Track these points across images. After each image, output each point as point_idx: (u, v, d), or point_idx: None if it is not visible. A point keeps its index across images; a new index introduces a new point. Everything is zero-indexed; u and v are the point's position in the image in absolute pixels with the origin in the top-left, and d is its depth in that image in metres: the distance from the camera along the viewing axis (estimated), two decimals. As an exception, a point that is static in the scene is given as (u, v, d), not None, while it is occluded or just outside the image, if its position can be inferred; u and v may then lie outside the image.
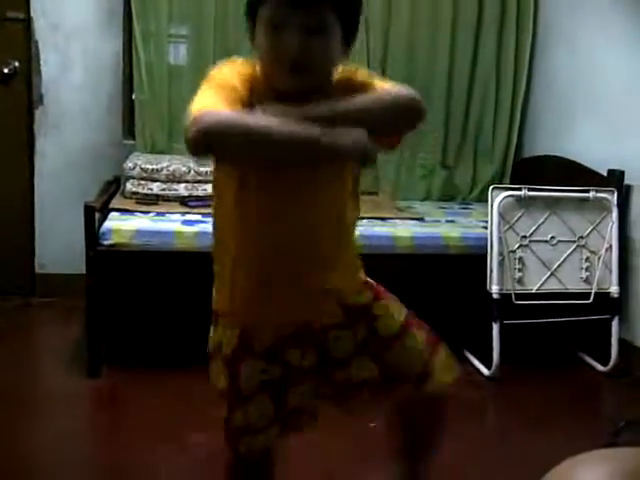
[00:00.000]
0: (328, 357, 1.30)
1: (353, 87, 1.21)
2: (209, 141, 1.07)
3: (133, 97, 3.40)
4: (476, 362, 2.82)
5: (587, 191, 2.84)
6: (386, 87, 1.22)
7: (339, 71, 1.26)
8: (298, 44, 1.13)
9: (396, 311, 1.37)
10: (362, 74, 1.27)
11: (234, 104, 1.12)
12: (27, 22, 3.28)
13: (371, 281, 1.39)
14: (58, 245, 3.36)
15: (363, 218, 2.91)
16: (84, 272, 2.57)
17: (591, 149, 3.13)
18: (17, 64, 3.31)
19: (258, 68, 1.22)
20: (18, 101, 3.34)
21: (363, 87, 1.22)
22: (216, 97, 1.12)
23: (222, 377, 1.29)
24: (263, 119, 1.10)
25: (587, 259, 2.84)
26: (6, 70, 3.28)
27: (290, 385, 1.29)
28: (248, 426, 1.28)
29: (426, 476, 1.51)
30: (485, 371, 2.74)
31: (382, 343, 1.32)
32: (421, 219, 3.10)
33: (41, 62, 3.32)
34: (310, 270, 1.26)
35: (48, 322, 3.22)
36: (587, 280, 2.83)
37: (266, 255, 1.24)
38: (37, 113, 3.36)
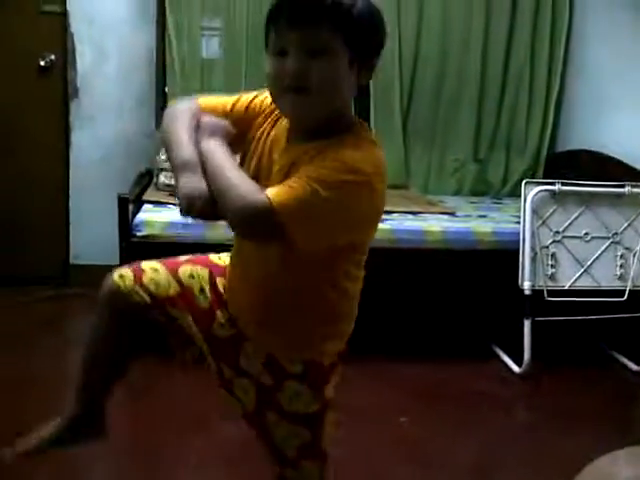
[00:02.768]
0: (233, 350, 1.28)
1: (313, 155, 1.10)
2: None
3: (166, 90, 3.43)
4: (507, 359, 2.80)
5: (622, 186, 2.79)
6: (273, 182, 1.09)
7: (353, 137, 1.12)
8: (296, 66, 1.08)
9: (310, 405, 1.25)
10: (329, 153, 1.08)
11: (216, 112, 1.21)
12: (63, 16, 3.33)
13: (336, 375, 1.27)
14: (92, 236, 3.41)
15: (393, 212, 2.93)
16: (117, 263, 2.61)
17: (627, 143, 3.08)
18: (53, 57, 3.36)
19: None
20: (54, 93, 3.39)
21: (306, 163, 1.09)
22: (215, 98, 1.24)
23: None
24: (174, 134, 1.16)
25: (622, 256, 2.79)
26: (43, 63, 3.33)
27: (194, 312, 1.29)
28: (142, 274, 1.30)
29: None
30: (516, 368, 2.72)
31: (271, 400, 1.26)
32: (452, 213, 3.07)
33: (77, 55, 3.37)
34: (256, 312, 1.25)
35: (80, 312, 3.26)
36: (621, 277, 2.79)
37: (235, 277, 1.29)
38: (72, 105, 3.41)
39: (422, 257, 2.77)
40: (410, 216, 2.94)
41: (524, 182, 2.80)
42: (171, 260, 1.35)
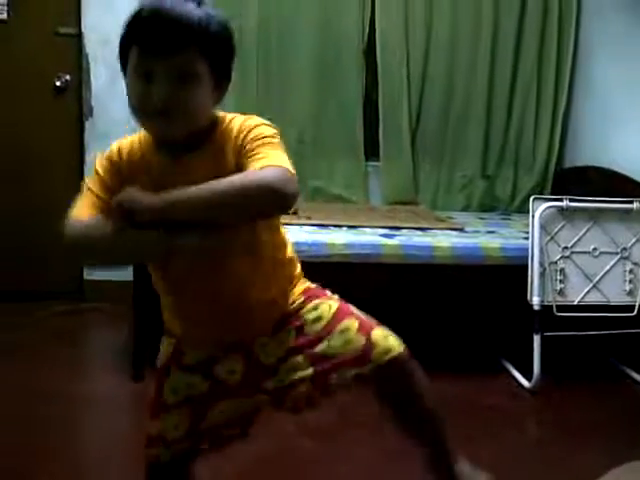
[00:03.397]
0: (257, 365, 1.31)
1: (237, 145, 1.18)
2: (74, 258, 1.29)
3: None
4: (516, 374, 2.81)
5: (631, 202, 2.81)
6: (253, 166, 1.13)
7: (224, 118, 1.22)
8: (164, 94, 1.10)
9: (325, 307, 1.33)
10: (252, 135, 1.18)
11: (93, 209, 1.20)
12: (78, 37, 3.41)
13: (306, 286, 1.37)
14: (106, 252, 3.45)
15: (402, 228, 2.96)
16: (131, 279, 2.65)
17: (635, 159, 3.10)
18: (68, 77, 3.43)
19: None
20: (69, 113, 3.46)
21: (244, 152, 1.16)
22: (80, 206, 1.23)
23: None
24: (102, 229, 1.14)
25: (630, 271, 2.80)
26: (58, 83, 3.40)
27: (213, 400, 1.32)
28: (159, 437, 1.32)
29: (446, 453, 1.47)
30: (525, 383, 2.72)
31: (311, 341, 1.30)
32: (461, 229, 3.10)
33: (91, 75, 3.43)
34: (237, 321, 1.29)
35: (95, 326, 3.31)
36: (631, 292, 2.80)
37: (193, 320, 1.30)
38: (87, 124, 3.47)
39: (431, 273, 2.79)
40: (419, 232, 2.97)
41: (532, 198, 2.82)
42: (154, 403, 1.35)
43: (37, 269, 3.50)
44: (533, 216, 2.75)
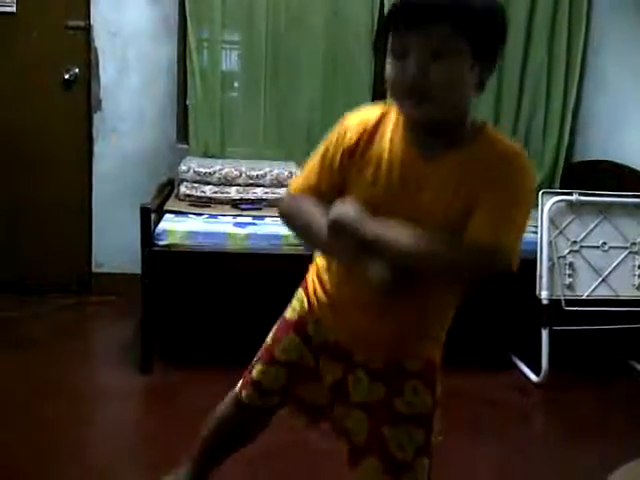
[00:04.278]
0: (343, 390, 1.31)
1: (484, 175, 1.10)
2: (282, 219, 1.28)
3: (187, 103, 3.49)
4: (524, 368, 2.81)
5: (640, 196, 2.80)
6: (481, 227, 1.09)
7: (491, 132, 1.16)
8: (415, 69, 1.05)
9: (426, 403, 1.30)
10: (505, 169, 1.11)
11: (323, 177, 1.21)
12: (87, 30, 3.41)
13: (435, 367, 1.33)
14: (114, 245, 3.47)
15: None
16: (139, 271, 2.66)
17: (645, 153, 3.08)
18: (77, 70, 3.43)
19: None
20: (78, 106, 3.47)
21: (486, 190, 1.09)
22: (310, 172, 1.24)
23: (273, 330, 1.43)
24: (306, 212, 1.20)
25: (639, 266, 2.79)
26: (67, 76, 3.41)
27: (307, 380, 1.37)
28: (258, 382, 1.42)
29: None
30: (533, 377, 2.72)
31: (387, 415, 1.27)
32: (469, 223, 3.08)
33: (100, 68, 3.44)
34: (383, 326, 1.25)
35: (103, 319, 3.32)
36: (639, 287, 2.79)
37: (354, 301, 1.26)
38: (96, 117, 3.48)
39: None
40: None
41: (541, 192, 2.81)
42: (264, 349, 1.43)
43: (45, 262, 3.51)
44: (542, 210, 2.74)
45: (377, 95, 3.59)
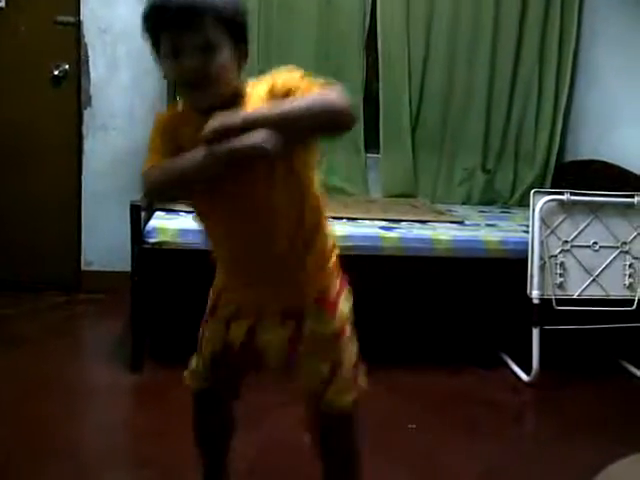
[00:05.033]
0: (253, 335, 1.45)
1: (276, 94, 1.28)
2: (153, 197, 1.41)
3: (177, 98, 3.46)
4: (515, 367, 2.81)
5: (631, 196, 2.80)
6: (312, 90, 1.26)
7: (254, 81, 1.34)
8: (194, 63, 1.23)
9: (328, 323, 1.42)
10: (285, 79, 1.30)
11: (164, 157, 1.31)
12: (77, 26, 3.38)
13: (329, 292, 1.44)
14: (104, 243, 3.45)
15: (401, 221, 2.95)
16: (129, 269, 2.64)
17: (636, 153, 3.09)
18: (67, 67, 3.41)
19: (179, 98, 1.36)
20: (68, 102, 3.44)
21: (287, 93, 1.27)
22: (151, 160, 1.33)
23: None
24: (172, 162, 1.27)
25: (630, 265, 2.80)
26: (56, 72, 3.38)
27: (229, 357, 1.50)
28: (196, 370, 1.59)
29: None
30: (524, 377, 2.72)
31: (299, 339, 1.42)
32: (461, 222, 3.09)
33: (90, 65, 3.41)
34: (267, 267, 1.39)
35: (93, 317, 3.30)
36: (630, 287, 2.79)
37: (231, 256, 1.44)
38: (85, 114, 3.46)
39: (430, 266, 2.78)
40: (418, 225, 2.96)
41: (533, 192, 2.81)
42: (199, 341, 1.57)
43: (34, 260, 3.49)
44: (533, 209, 2.74)
45: (369, 83, 3.60)
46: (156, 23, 1.27)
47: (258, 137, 1.17)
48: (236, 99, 1.31)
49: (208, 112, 1.25)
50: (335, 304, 1.43)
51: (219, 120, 1.20)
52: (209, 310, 1.54)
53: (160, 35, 1.27)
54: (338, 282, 1.46)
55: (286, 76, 1.31)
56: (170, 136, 1.34)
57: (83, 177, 3.49)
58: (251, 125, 1.19)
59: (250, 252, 1.38)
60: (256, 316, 1.44)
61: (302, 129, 1.24)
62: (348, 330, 1.45)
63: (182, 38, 1.23)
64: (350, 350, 1.44)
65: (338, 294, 1.45)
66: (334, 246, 1.48)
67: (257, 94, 1.32)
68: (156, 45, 1.29)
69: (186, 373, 1.61)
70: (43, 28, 3.35)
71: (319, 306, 1.42)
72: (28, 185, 3.44)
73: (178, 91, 1.33)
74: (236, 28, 1.28)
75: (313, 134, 1.29)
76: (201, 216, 1.43)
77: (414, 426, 2.32)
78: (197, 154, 1.22)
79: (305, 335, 1.41)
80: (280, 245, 1.35)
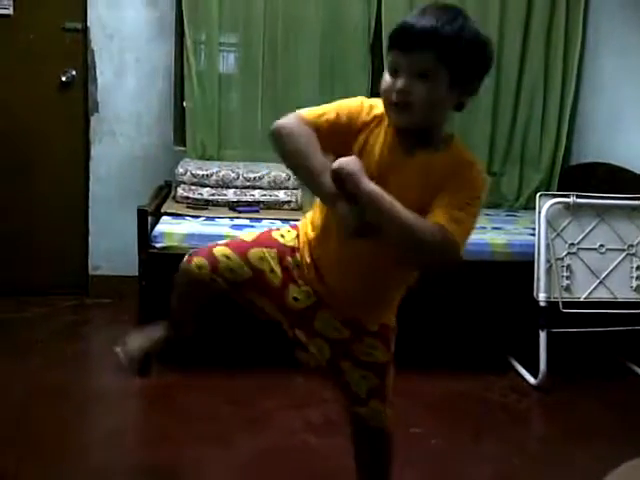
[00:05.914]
0: (308, 318, 1.49)
1: (449, 174, 1.30)
2: (271, 136, 1.33)
3: (184, 104, 3.49)
4: (522, 370, 2.80)
5: (638, 198, 2.80)
6: (443, 218, 1.26)
7: (458, 143, 1.38)
8: (402, 86, 1.28)
9: (383, 351, 1.52)
10: (466, 173, 1.32)
11: (322, 124, 1.33)
12: (84, 32, 3.40)
13: (388, 329, 1.54)
14: (111, 247, 3.46)
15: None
16: (136, 274, 2.65)
17: (642, 155, 3.09)
18: (74, 73, 3.43)
19: None
20: (75, 108, 3.46)
21: (448, 187, 1.29)
22: (321, 115, 1.35)
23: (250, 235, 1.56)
24: (310, 148, 1.29)
25: (637, 267, 2.79)
26: (64, 78, 3.40)
27: (263, 294, 1.50)
28: (217, 261, 1.49)
29: None
30: (531, 380, 2.72)
31: (345, 352, 1.50)
32: (467, 226, 3.08)
33: (97, 71, 3.43)
34: (358, 277, 1.44)
35: (101, 322, 3.31)
36: (637, 289, 2.79)
37: (333, 250, 1.43)
38: (93, 120, 3.47)
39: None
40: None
41: (539, 195, 2.81)
42: (239, 243, 1.53)
43: (42, 264, 3.50)
44: (539, 212, 2.74)
45: (375, 86, 3.59)
46: (390, 41, 1.32)
47: (352, 214, 1.22)
48: (431, 139, 1.34)
49: (401, 132, 1.32)
50: (390, 338, 1.54)
51: (349, 168, 1.22)
52: (281, 243, 1.51)
53: (389, 50, 1.32)
54: (395, 322, 1.56)
55: (469, 184, 1.32)
56: (353, 120, 1.36)
57: (90, 182, 3.51)
58: (368, 202, 1.21)
59: (349, 260, 1.40)
60: (320, 301, 1.47)
61: (397, 244, 1.26)
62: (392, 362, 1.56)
63: (400, 61, 1.28)
64: (391, 376, 1.55)
65: (393, 331, 1.55)
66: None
67: (452, 158, 1.33)
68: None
69: (200, 261, 1.51)
70: (50, 34, 3.37)
71: (379, 333, 1.51)
72: (36, 190, 3.46)
73: (384, 106, 1.35)
74: (463, 76, 1.30)
75: (404, 253, 1.30)
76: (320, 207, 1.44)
77: (419, 430, 2.32)
78: (325, 170, 1.24)
79: (358, 351, 1.49)
80: (376, 274, 1.42)
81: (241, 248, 1.50)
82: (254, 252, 1.49)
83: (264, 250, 1.50)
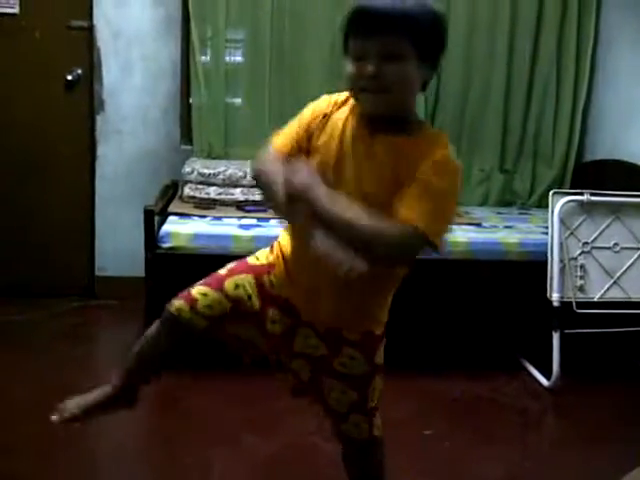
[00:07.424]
0: (289, 341, 1.45)
1: (419, 157, 1.25)
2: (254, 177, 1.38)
3: (190, 101, 3.45)
4: (535, 372, 2.76)
5: (653, 196, 2.75)
6: (402, 208, 1.22)
7: (431, 129, 1.37)
8: (373, 70, 1.24)
9: (363, 363, 1.45)
10: (438, 160, 1.26)
11: (292, 142, 1.36)
12: (90, 30, 3.38)
13: (372, 338, 1.46)
14: (117, 248, 3.44)
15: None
16: (142, 274, 2.62)
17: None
18: (80, 71, 3.40)
19: None
20: (81, 107, 3.43)
21: (420, 172, 1.24)
22: (284, 135, 1.39)
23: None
24: (273, 166, 1.29)
25: (653, 267, 2.74)
26: (70, 77, 3.37)
27: (245, 321, 1.47)
28: (196, 300, 1.46)
29: None
30: (544, 381, 2.67)
31: (325, 368, 1.45)
32: (478, 224, 3.04)
33: (103, 69, 3.41)
34: (335, 286, 1.35)
35: (107, 323, 3.30)
36: (653, 289, 2.74)
37: (306, 260, 1.36)
38: (98, 119, 3.45)
39: (448, 268, 2.74)
40: (435, 227, 2.91)
41: (552, 192, 2.76)
42: (215, 278, 1.49)
43: (47, 266, 3.48)
44: (552, 211, 2.69)
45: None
46: (348, 27, 1.30)
47: (320, 242, 1.18)
48: (404, 123, 1.30)
49: (371, 121, 1.29)
50: (375, 347, 1.46)
51: (300, 176, 1.21)
52: (256, 265, 1.49)
53: (349, 36, 1.29)
54: (382, 331, 1.47)
55: (441, 174, 1.25)
56: (315, 120, 1.36)
57: (96, 182, 3.48)
58: (318, 211, 1.20)
59: (317, 262, 1.30)
60: (298, 319, 1.44)
61: (351, 244, 1.19)
62: (379, 373, 1.49)
63: (366, 44, 1.25)
64: (376, 388, 1.48)
65: (379, 339, 1.47)
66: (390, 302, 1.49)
67: (425, 144, 1.28)
68: (345, 44, 1.31)
69: (179, 303, 1.49)
70: (56, 33, 3.35)
71: (361, 343, 1.43)
72: (41, 190, 3.44)
73: (352, 94, 1.33)
74: (427, 53, 1.27)
75: (361, 253, 1.21)
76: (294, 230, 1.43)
77: (430, 432, 2.29)
78: (278, 180, 1.22)
79: (337, 364, 1.44)
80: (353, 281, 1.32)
81: (217, 282, 1.47)
82: (229, 282, 1.47)
83: (240, 277, 1.47)
